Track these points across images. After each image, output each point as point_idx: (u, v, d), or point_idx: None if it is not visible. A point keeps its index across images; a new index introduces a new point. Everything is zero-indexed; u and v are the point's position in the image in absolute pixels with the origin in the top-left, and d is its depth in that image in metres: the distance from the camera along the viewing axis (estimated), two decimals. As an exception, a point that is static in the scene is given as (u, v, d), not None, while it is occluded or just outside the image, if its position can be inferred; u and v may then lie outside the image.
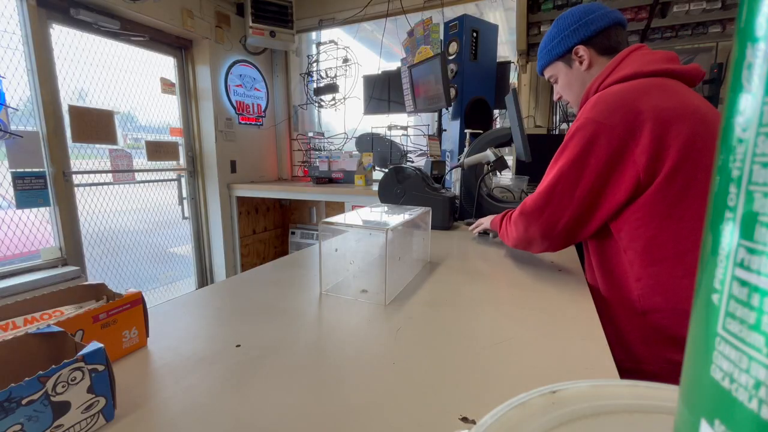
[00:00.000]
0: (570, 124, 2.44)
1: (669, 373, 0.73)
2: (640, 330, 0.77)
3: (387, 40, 2.92)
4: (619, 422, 0.20)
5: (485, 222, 1.15)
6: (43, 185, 1.91)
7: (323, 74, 3.09)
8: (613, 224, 0.79)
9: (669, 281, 0.72)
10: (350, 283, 0.80)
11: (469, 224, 1.27)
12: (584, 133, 0.74)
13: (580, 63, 0.89)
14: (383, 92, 2.76)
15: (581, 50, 0.88)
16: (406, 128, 2.77)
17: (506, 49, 3.03)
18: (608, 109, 0.73)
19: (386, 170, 1.51)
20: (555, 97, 1.02)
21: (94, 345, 0.37)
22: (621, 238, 0.78)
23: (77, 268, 2.01)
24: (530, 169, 2.03)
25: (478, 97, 2.07)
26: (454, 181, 1.60)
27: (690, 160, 0.68)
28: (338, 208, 3.09)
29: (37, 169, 1.89)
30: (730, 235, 0.10)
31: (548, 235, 0.81)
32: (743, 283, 0.10)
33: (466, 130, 1.64)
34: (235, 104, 2.91)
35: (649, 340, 0.76)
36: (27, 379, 0.31)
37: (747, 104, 0.10)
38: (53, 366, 0.33)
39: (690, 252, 0.70)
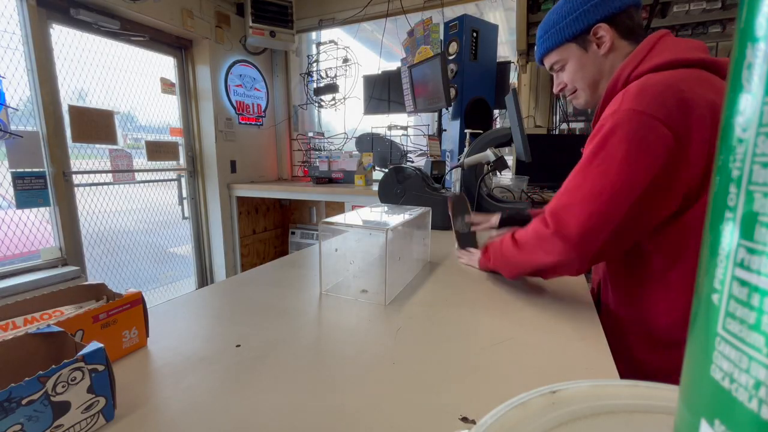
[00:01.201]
0: (570, 124, 2.43)
1: None
2: (664, 364, 0.68)
3: (387, 40, 2.92)
4: (619, 422, 0.20)
5: (473, 261, 0.92)
6: (43, 185, 1.90)
7: (323, 74, 3.09)
8: (649, 241, 0.67)
9: None
10: (350, 283, 0.80)
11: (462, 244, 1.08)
12: (631, 127, 0.60)
13: (599, 46, 0.76)
14: (383, 92, 2.76)
15: (602, 30, 0.74)
16: (406, 128, 2.77)
17: (506, 49, 3.03)
18: (658, 100, 0.60)
19: (386, 170, 1.51)
20: (556, 88, 0.86)
21: (94, 345, 0.37)
22: (658, 259, 0.67)
23: (77, 268, 2.00)
24: (530, 169, 2.03)
25: (478, 97, 2.07)
26: (454, 181, 1.60)
27: None
28: (338, 208, 3.09)
29: (37, 169, 1.89)
30: (730, 235, 0.10)
31: (586, 257, 0.64)
32: (743, 283, 0.10)
33: (466, 130, 1.64)
34: (235, 104, 2.91)
35: (676, 377, 0.65)
36: (27, 379, 0.31)
37: (747, 104, 0.10)
38: (53, 366, 0.33)
39: None
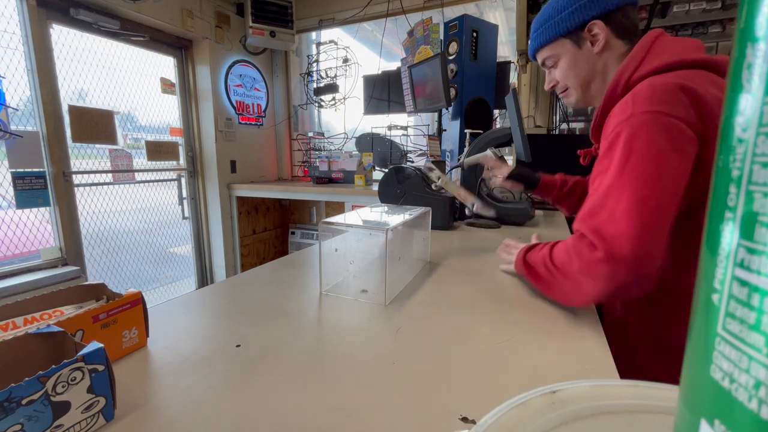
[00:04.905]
0: (570, 124, 2.43)
1: None
2: (668, 373, 0.64)
3: (387, 40, 2.92)
4: (619, 422, 0.20)
5: (513, 257, 0.82)
6: (43, 185, 1.90)
7: (323, 74, 3.09)
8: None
9: None
10: (350, 283, 0.80)
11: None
12: (655, 128, 0.57)
13: (593, 44, 0.74)
14: (383, 92, 2.76)
15: (597, 27, 0.73)
16: (406, 128, 2.77)
17: (506, 49, 3.03)
18: (673, 100, 0.57)
19: (386, 170, 1.51)
20: (548, 85, 0.85)
21: (94, 345, 0.37)
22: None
23: (77, 268, 2.00)
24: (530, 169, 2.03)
25: (478, 97, 2.07)
26: (454, 181, 1.60)
27: None
28: (338, 208, 3.09)
29: (37, 169, 1.89)
30: (730, 235, 0.10)
31: (648, 277, 0.55)
32: (743, 283, 0.10)
33: (466, 130, 1.64)
34: (235, 104, 2.91)
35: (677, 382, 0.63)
36: (27, 379, 0.31)
37: (747, 104, 0.10)
38: (53, 366, 0.33)
39: None
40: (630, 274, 0.54)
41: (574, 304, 0.64)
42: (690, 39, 0.68)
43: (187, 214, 2.85)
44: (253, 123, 3.10)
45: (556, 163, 1.41)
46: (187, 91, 2.77)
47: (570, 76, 0.79)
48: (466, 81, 2.04)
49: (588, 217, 0.59)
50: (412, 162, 2.76)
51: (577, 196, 1.11)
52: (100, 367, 0.37)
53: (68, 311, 0.49)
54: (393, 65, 2.84)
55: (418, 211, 0.88)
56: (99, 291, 0.54)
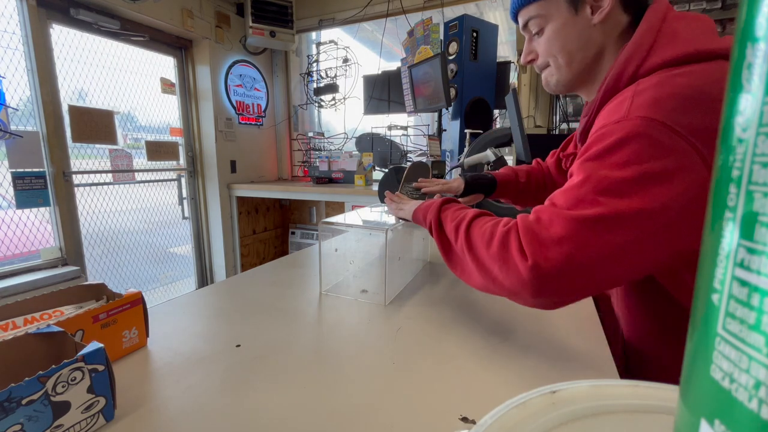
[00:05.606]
0: (570, 124, 2.43)
1: None
2: None
3: (387, 40, 2.92)
4: (619, 422, 0.20)
5: (406, 212, 0.74)
6: (43, 185, 1.90)
7: (323, 74, 3.09)
8: (687, 271, 0.52)
9: None
10: (350, 283, 0.80)
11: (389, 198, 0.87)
12: (647, 142, 0.45)
13: (593, 11, 0.59)
14: (383, 92, 2.76)
15: None
16: (406, 128, 2.77)
17: (506, 49, 3.02)
18: (682, 110, 0.45)
19: (386, 170, 1.51)
20: (524, 58, 0.68)
21: (94, 345, 0.37)
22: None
23: (77, 268, 2.00)
24: (530, 169, 2.03)
25: (478, 97, 2.07)
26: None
27: None
28: (338, 208, 3.09)
29: (37, 169, 1.89)
30: (730, 235, 0.10)
31: (549, 304, 0.50)
32: (743, 283, 0.10)
33: (466, 130, 1.64)
34: (235, 104, 2.91)
35: None
36: (27, 379, 0.31)
37: (747, 104, 0.10)
38: (53, 366, 0.33)
39: None
40: (538, 299, 0.47)
41: (457, 271, 0.60)
42: (701, 18, 0.55)
43: (187, 214, 2.85)
44: (253, 123, 3.10)
45: (556, 163, 1.41)
46: (187, 91, 2.77)
47: (556, 48, 0.62)
48: (466, 81, 2.04)
49: (535, 216, 0.50)
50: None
51: (533, 189, 0.97)
52: (100, 367, 0.37)
53: (68, 311, 0.49)
54: (393, 65, 2.84)
55: (418, 211, 0.88)
56: (99, 291, 0.54)
